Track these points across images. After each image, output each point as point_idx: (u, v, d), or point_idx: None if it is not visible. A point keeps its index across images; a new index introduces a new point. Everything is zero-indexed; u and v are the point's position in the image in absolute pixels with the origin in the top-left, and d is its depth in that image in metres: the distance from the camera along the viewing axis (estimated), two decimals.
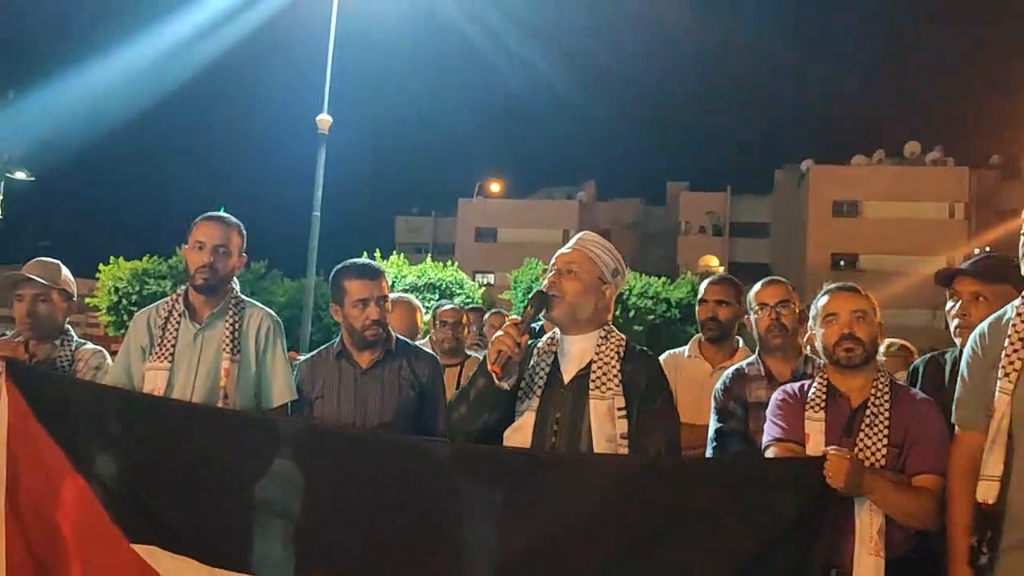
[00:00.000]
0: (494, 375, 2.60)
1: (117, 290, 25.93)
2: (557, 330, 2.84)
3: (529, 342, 2.74)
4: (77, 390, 3.12)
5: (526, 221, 45.88)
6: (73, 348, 3.55)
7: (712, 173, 49.37)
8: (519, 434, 2.69)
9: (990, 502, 2.33)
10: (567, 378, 2.73)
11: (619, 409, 2.63)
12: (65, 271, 3.60)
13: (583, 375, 2.71)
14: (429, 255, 29.09)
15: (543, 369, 2.76)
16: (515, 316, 2.75)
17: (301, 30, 19.62)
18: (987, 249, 36.08)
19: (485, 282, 35.96)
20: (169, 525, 2.83)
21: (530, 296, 2.73)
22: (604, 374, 2.67)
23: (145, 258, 26.59)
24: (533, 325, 4.26)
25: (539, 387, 2.73)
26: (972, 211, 40.63)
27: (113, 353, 3.65)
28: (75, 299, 3.68)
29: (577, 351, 2.76)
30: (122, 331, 25.14)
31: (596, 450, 2.61)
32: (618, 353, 2.72)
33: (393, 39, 20.42)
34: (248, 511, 2.76)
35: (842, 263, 40.53)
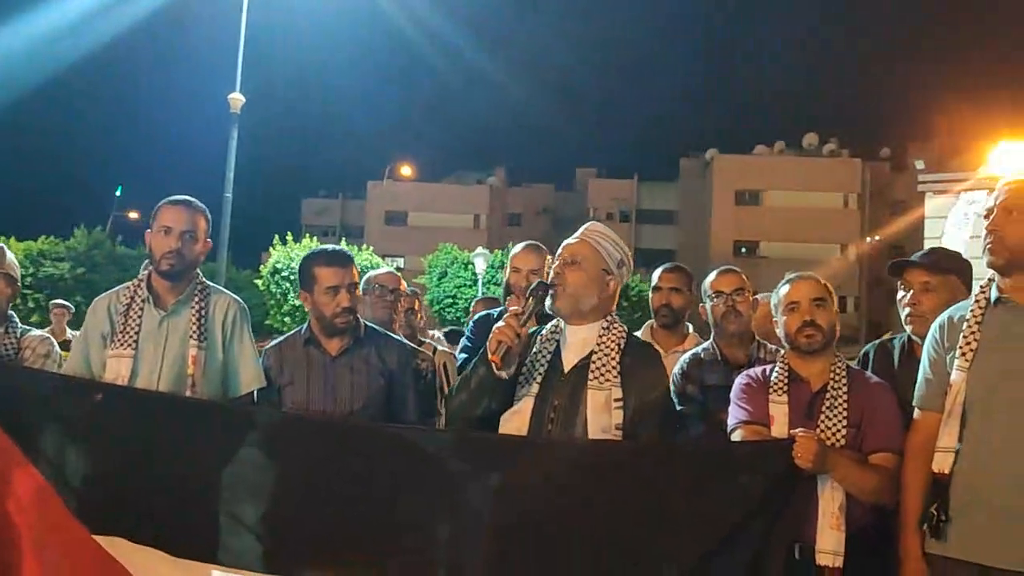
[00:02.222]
0: (494, 365, 2.63)
1: None
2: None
3: (532, 329, 2.77)
4: (31, 380, 3.00)
5: (437, 205, 45.72)
6: (19, 335, 3.41)
7: (620, 160, 50.24)
8: (517, 419, 2.72)
9: (945, 472, 2.52)
10: (567, 367, 2.77)
11: (616, 400, 2.68)
12: (10, 255, 3.45)
13: (583, 365, 2.75)
14: (343, 239, 28.70)
15: (544, 356, 2.79)
16: (515, 307, 2.76)
17: (212, 4, 18.93)
18: (877, 238, 37.94)
19: (396, 266, 35.73)
20: (134, 515, 2.75)
21: (532, 287, 2.76)
22: (603, 365, 2.72)
23: (41, 239, 25.45)
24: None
25: (539, 374, 2.76)
26: (865, 201, 42.58)
27: None
28: (19, 284, 3.54)
29: (579, 340, 2.79)
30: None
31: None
32: (619, 344, 2.77)
33: (304, 18, 19.94)
34: (216, 501, 2.72)
35: (743, 250, 41.92)
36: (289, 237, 23.09)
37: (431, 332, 7.18)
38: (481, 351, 2.73)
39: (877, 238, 38.44)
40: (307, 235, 26.97)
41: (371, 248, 26.98)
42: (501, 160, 50.24)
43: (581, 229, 2.90)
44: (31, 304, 23.50)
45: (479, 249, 23.00)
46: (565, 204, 48.00)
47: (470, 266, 26.06)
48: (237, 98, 16.23)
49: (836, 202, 42.71)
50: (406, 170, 48.23)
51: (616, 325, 2.83)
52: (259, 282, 25.29)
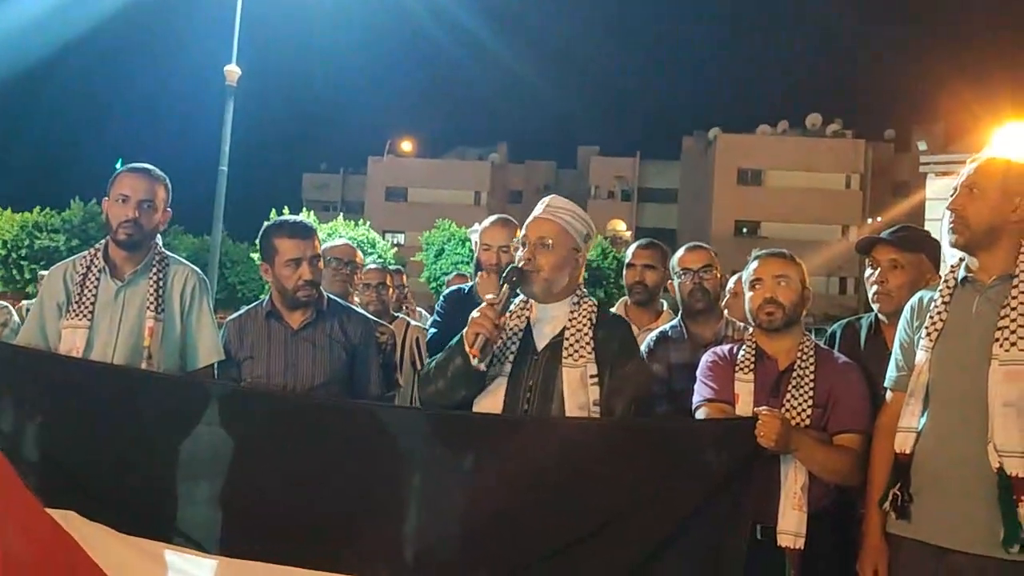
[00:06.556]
0: (472, 357, 2.54)
1: (5, 243, 24.71)
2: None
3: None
4: None
5: (438, 181, 45.59)
6: None
7: (623, 138, 50.10)
8: (490, 400, 2.65)
9: (906, 452, 2.48)
10: (540, 345, 2.70)
11: (591, 376, 2.62)
12: None
13: (556, 343, 2.67)
14: (341, 214, 28.57)
15: (515, 336, 2.70)
16: (490, 296, 2.63)
17: None
18: (879, 220, 37.84)
19: (395, 242, 35.61)
20: (86, 490, 2.72)
21: (505, 273, 2.66)
22: (577, 341, 2.65)
23: (36, 210, 25.41)
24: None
25: (511, 354, 2.68)
26: (867, 182, 42.39)
27: None
28: None
29: (550, 318, 2.72)
30: (11, 286, 24.01)
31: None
32: (590, 319, 2.69)
33: None
34: (171, 478, 2.69)
35: (744, 230, 41.82)
36: (286, 211, 22.96)
37: (418, 310, 7.09)
38: (457, 340, 2.63)
39: (879, 220, 38.27)
40: (306, 210, 26.82)
41: (368, 224, 26.83)
42: (503, 136, 50.11)
43: (543, 206, 2.76)
44: (27, 275, 23.50)
45: (476, 225, 22.82)
46: (567, 181, 47.81)
47: (467, 243, 25.98)
48: (233, 70, 16.14)
49: (838, 183, 42.50)
50: (407, 146, 48.05)
51: (586, 300, 2.76)
52: (256, 256, 25.08)
